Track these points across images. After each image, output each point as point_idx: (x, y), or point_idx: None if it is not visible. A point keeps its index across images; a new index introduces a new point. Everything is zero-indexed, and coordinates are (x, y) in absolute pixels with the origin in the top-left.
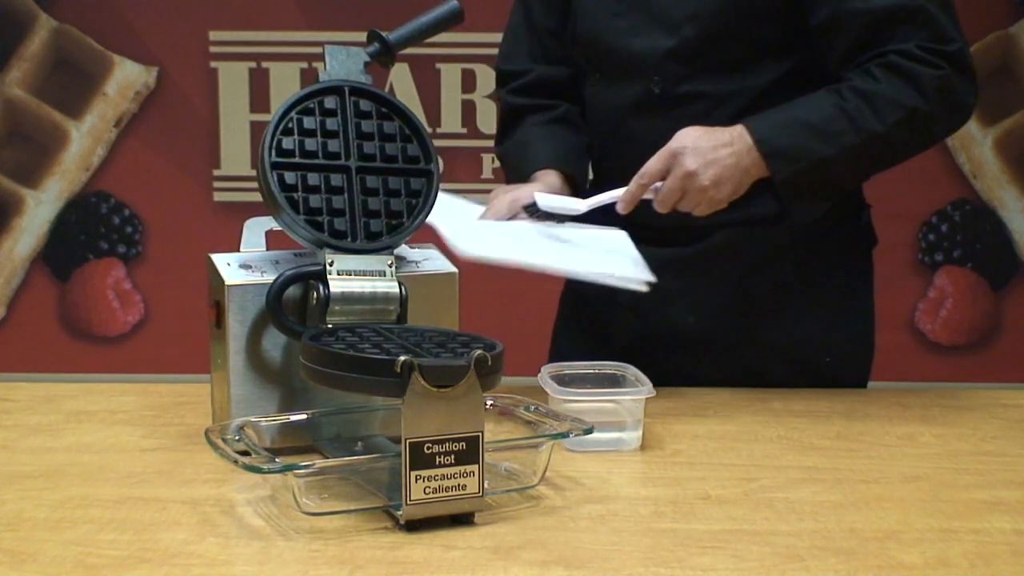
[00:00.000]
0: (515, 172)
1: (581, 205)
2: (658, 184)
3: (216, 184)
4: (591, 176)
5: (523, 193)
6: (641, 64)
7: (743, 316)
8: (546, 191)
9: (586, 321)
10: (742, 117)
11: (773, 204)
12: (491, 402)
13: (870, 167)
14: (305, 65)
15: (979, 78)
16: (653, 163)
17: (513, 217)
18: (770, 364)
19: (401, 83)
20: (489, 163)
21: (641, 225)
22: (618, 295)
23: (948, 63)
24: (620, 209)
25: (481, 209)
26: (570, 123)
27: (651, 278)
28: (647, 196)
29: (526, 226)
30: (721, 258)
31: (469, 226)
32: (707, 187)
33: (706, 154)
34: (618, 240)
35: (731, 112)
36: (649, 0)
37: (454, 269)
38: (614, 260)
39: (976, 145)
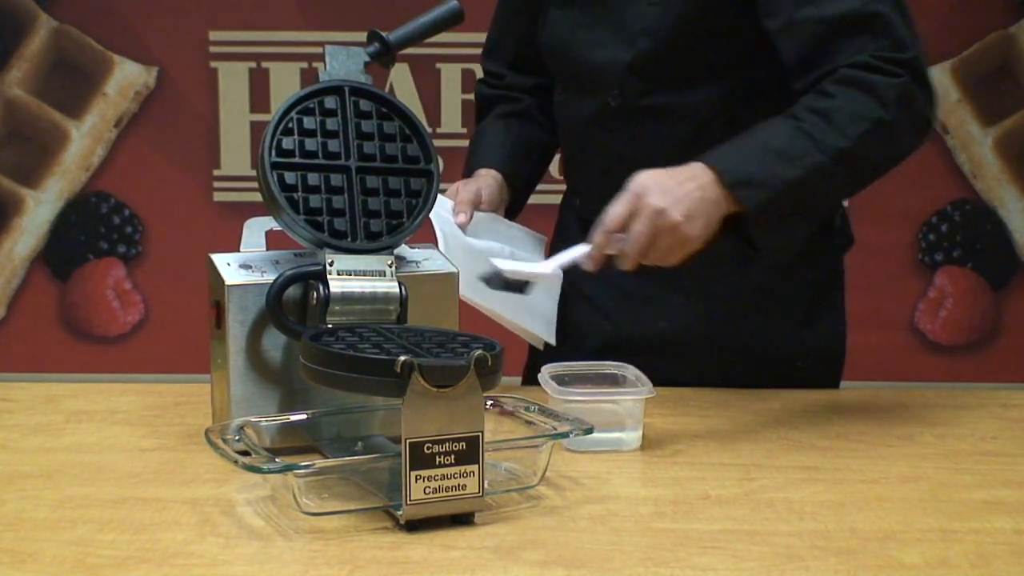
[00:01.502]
0: (467, 165)
1: (546, 268)
2: (621, 236)
3: (216, 184)
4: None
5: (482, 184)
6: (602, 77)
7: (713, 320)
8: (484, 190)
9: (560, 323)
10: (703, 131)
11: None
12: (491, 402)
13: (842, 187)
14: (305, 65)
15: (979, 78)
16: (615, 208)
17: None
18: (740, 368)
19: (401, 83)
20: None
21: None
22: (592, 298)
23: (905, 70)
24: (589, 268)
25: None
26: (528, 118)
27: (552, 342)
28: (611, 251)
29: (493, 248)
30: (692, 264)
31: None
32: (679, 223)
33: (672, 190)
34: (548, 293)
35: (692, 126)
36: (610, 13)
37: (454, 269)
38: (531, 316)
39: (976, 145)
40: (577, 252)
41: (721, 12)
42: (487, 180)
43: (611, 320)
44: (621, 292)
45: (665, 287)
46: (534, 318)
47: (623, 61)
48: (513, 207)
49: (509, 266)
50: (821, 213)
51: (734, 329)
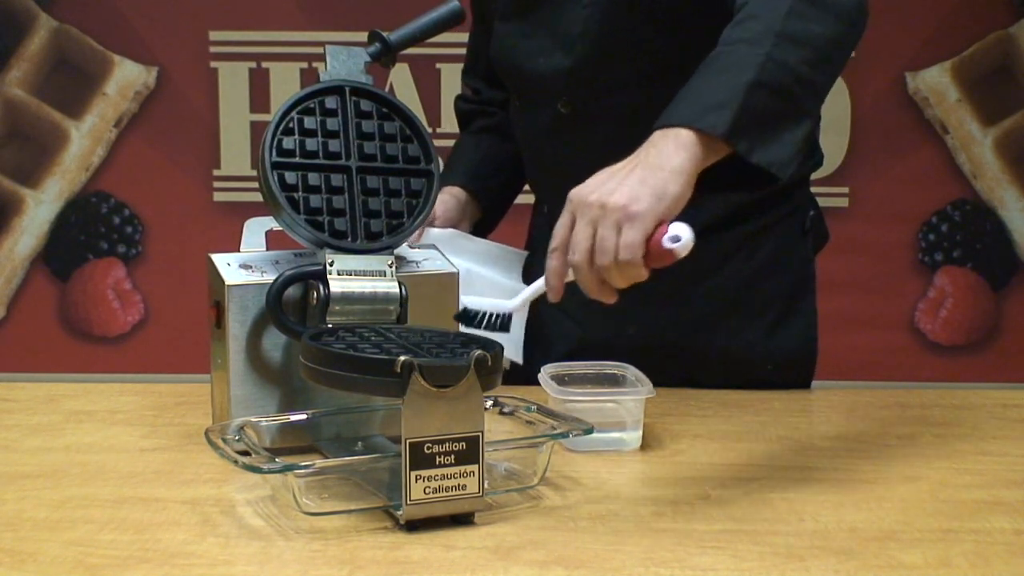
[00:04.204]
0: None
1: (510, 305)
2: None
3: (216, 184)
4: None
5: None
6: (549, 86)
7: (683, 326)
8: (439, 207)
9: (530, 328)
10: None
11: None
12: (491, 402)
13: (805, 70)
14: (305, 65)
15: (979, 78)
16: (558, 226)
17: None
18: (710, 372)
19: (401, 83)
20: None
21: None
22: (561, 303)
23: None
24: (552, 299)
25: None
26: (500, 132)
27: (519, 361)
28: (569, 272)
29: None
30: (662, 269)
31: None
32: (623, 206)
33: (604, 182)
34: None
35: (648, 127)
36: (548, 21)
37: (454, 269)
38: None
39: (976, 145)
40: (536, 285)
41: (646, 6)
42: (443, 197)
43: (580, 325)
44: (591, 297)
45: (635, 292)
46: (502, 338)
47: (564, 68)
48: (485, 223)
49: (475, 303)
50: (805, 110)
51: (704, 334)
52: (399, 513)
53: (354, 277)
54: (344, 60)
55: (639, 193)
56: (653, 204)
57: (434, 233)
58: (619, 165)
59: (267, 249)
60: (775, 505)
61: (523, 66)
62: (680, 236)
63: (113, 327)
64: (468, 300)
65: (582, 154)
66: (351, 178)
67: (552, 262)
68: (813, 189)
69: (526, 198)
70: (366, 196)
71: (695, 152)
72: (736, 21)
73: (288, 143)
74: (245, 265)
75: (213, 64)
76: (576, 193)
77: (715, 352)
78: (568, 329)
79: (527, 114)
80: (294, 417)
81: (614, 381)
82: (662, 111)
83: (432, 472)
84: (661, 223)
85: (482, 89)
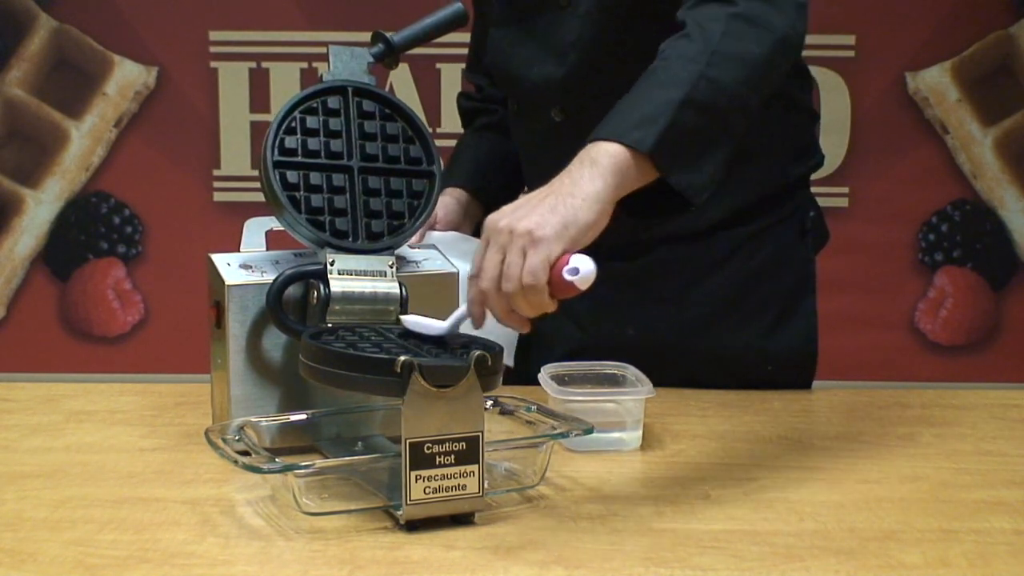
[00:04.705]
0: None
1: (442, 327)
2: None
3: (216, 184)
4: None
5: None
6: (542, 93)
7: (683, 327)
8: (440, 210)
9: (535, 330)
10: None
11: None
12: (491, 402)
13: (735, 90)
14: (305, 65)
15: (979, 78)
16: (476, 253)
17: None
18: (710, 372)
19: (401, 83)
20: None
21: None
22: (563, 305)
23: None
24: (475, 326)
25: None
26: (503, 129)
27: (510, 364)
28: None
29: None
30: (661, 271)
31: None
32: (528, 231)
33: (517, 208)
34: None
35: None
36: (542, 30)
37: (454, 269)
38: (492, 337)
39: (976, 145)
40: (462, 311)
41: (638, 15)
42: (444, 199)
43: (580, 326)
44: (591, 299)
45: (635, 294)
46: (496, 339)
47: (557, 76)
48: None
49: (411, 321)
50: (732, 130)
51: (704, 335)
52: (399, 513)
53: (355, 277)
54: (347, 60)
55: (547, 219)
56: (559, 231)
57: (435, 236)
58: (535, 192)
59: (267, 249)
60: (775, 505)
61: (517, 74)
62: (579, 269)
63: (113, 327)
64: (407, 319)
65: None
66: (353, 178)
67: (470, 290)
68: (813, 189)
69: None
70: (368, 196)
71: (613, 179)
72: (677, 35)
73: (290, 142)
74: (245, 265)
75: (213, 64)
76: (489, 219)
77: (715, 352)
78: (568, 330)
79: (523, 120)
80: (294, 417)
81: (614, 381)
82: None
83: (432, 472)
84: (567, 251)
85: (484, 86)
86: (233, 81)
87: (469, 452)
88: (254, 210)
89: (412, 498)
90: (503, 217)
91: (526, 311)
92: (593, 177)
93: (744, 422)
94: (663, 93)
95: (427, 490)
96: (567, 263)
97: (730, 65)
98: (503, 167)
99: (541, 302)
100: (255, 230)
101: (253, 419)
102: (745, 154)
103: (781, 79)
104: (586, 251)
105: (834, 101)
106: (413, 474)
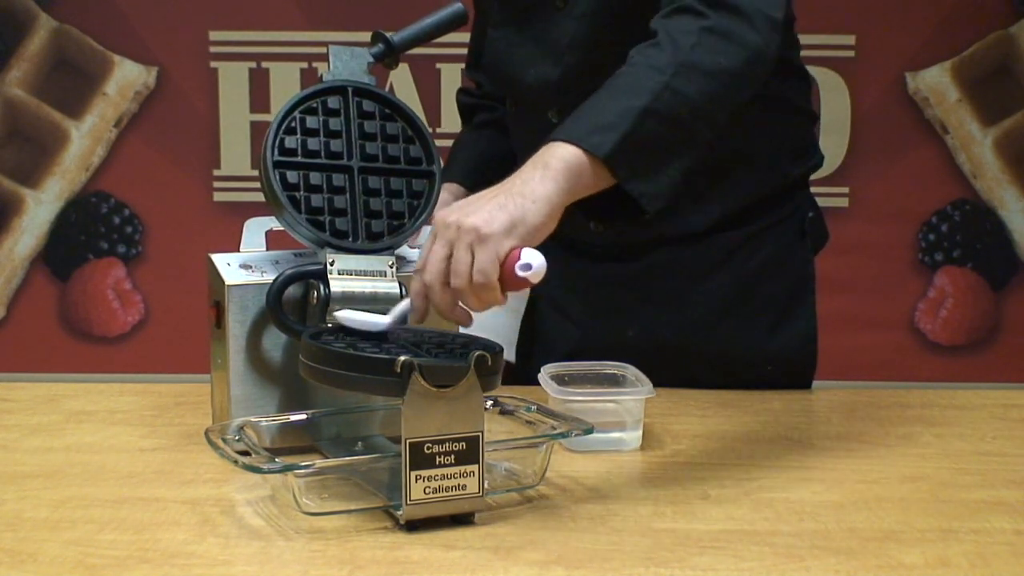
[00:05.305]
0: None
1: (382, 322)
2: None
3: (216, 184)
4: None
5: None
6: (538, 95)
7: (682, 328)
8: (449, 202)
9: (530, 330)
10: None
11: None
12: (491, 402)
13: (699, 103)
14: (305, 65)
15: (979, 78)
16: (423, 247)
17: None
18: (710, 372)
19: (401, 83)
20: None
21: (582, 242)
22: (561, 306)
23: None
24: (415, 321)
25: None
26: (502, 126)
27: (510, 360)
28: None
29: None
30: (661, 273)
31: None
32: (475, 227)
33: (466, 204)
34: (513, 313)
35: None
36: (538, 31)
37: None
38: (492, 335)
39: (976, 145)
40: (404, 305)
41: (634, 17)
42: (443, 197)
43: (580, 327)
44: (591, 300)
45: (635, 295)
46: (496, 337)
47: (553, 78)
48: None
49: (349, 317)
50: (694, 142)
51: (703, 335)
52: (399, 513)
53: (355, 277)
54: (347, 60)
55: (495, 217)
56: (507, 228)
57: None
58: (487, 190)
59: (267, 249)
60: (775, 505)
61: (514, 75)
62: (531, 264)
63: (113, 327)
64: (343, 315)
65: None
66: (353, 178)
67: (414, 283)
68: (813, 189)
69: None
70: (367, 196)
71: (566, 183)
72: (647, 43)
73: (290, 142)
74: (245, 265)
75: (213, 64)
76: (438, 214)
77: (715, 353)
78: (568, 331)
79: (520, 121)
80: (294, 417)
81: (614, 381)
82: None
83: (432, 472)
84: (514, 248)
85: (484, 83)
86: (233, 81)
87: (469, 452)
88: (254, 210)
89: (412, 498)
90: (452, 212)
91: (475, 306)
92: (545, 179)
93: (744, 422)
94: (626, 100)
95: (427, 490)
96: (518, 258)
97: (697, 77)
98: (501, 164)
99: (492, 298)
100: (255, 230)
101: (253, 419)
102: (744, 155)
103: (752, 93)
104: (586, 251)
105: (834, 101)
106: (413, 474)
